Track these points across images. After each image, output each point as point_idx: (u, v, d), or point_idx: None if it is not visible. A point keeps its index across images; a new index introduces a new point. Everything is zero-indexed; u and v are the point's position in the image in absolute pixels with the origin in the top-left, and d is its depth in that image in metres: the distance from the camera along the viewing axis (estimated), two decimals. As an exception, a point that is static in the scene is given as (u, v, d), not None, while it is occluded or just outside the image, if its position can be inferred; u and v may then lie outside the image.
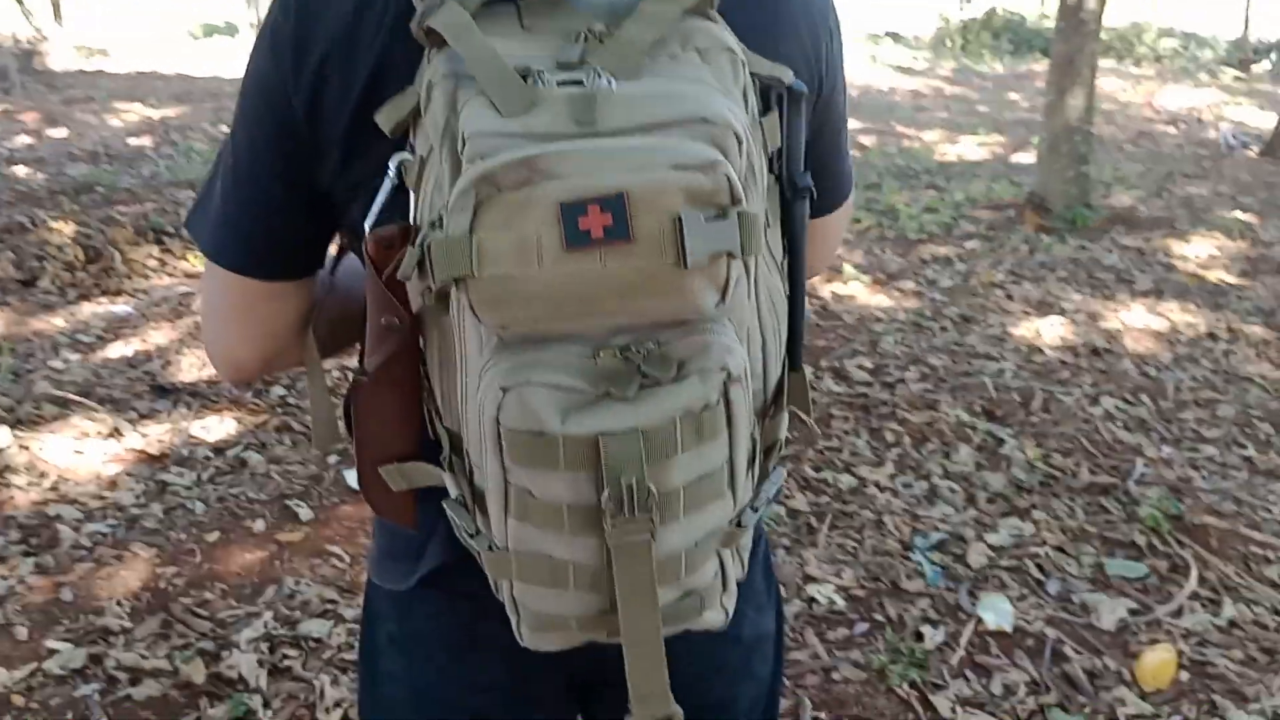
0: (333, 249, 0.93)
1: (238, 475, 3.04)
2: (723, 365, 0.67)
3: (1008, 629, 2.41)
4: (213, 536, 2.71)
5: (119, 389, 3.55)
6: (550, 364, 0.66)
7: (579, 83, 0.65)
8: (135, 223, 5.19)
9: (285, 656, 2.27)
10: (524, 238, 0.62)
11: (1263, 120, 10.27)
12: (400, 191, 0.74)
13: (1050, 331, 4.32)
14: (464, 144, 0.64)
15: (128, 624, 2.35)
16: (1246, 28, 14.84)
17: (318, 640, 2.33)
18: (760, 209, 0.74)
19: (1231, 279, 5.24)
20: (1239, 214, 6.54)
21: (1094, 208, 6.27)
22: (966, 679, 2.26)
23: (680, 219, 0.62)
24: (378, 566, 0.99)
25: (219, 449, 3.19)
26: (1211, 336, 4.43)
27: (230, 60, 12.75)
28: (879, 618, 2.45)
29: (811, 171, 0.86)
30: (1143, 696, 2.21)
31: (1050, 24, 16.44)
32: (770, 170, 0.77)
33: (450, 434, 0.78)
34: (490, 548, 0.74)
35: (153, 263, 4.91)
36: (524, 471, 0.67)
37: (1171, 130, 10.03)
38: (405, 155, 0.73)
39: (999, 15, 17.16)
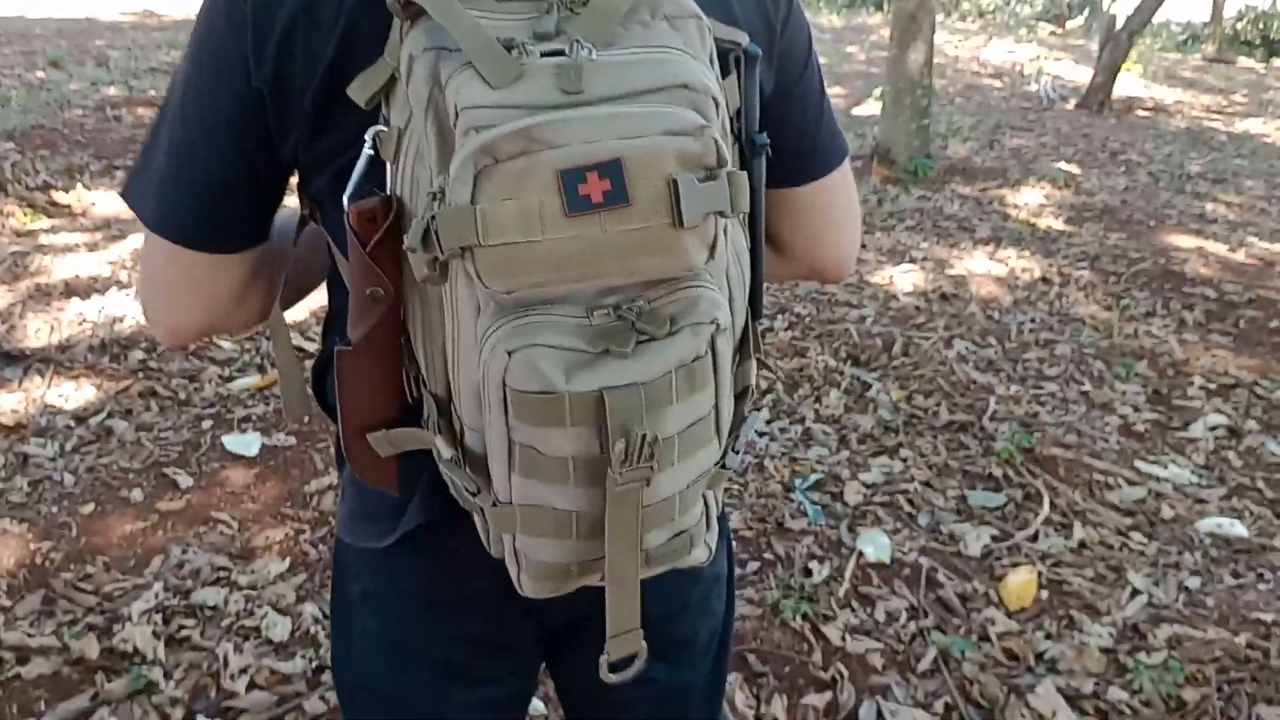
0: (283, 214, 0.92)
1: (105, 444, 2.91)
2: (713, 318, 0.71)
3: (886, 560, 2.58)
4: (87, 509, 2.60)
5: (-41, 357, 3.32)
6: (550, 326, 0.68)
7: (561, 52, 0.67)
8: (-47, 177, 4.82)
9: (182, 627, 2.21)
10: (526, 206, 0.64)
11: (1078, 74, 10.93)
12: (373, 163, 0.74)
13: (903, 279, 4.55)
14: (456, 116, 0.65)
15: (6, 602, 2.24)
16: (1061, -15, 15.68)
17: (214, 608, 2.29)
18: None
19: (1060, 226, 5.62)
20: (1063, 164, 6.99)
21: (933, 159, 6.58)
22: (853, 609, 2.41)
23: (675, 182, 0.65)
24: (349, 527, 1.00)
25: (80, 417, 3.04)
26: (1045, 281, 4.75)
27: (37, -2, 11.82)
28: (768, 556, 2.58)
29: (793, 138, 0.90)
30: (1009, 615, 2.41)
31: (882, -22, 16.98)
32: (730, 130, 0.81)
33: (435, 398, 0.80)
34: (494, 504, 0.77)
35: (-22, 220, 4.58)
36: (530, 429, 0.70)
37: (997, 84, 10.56)
38: (380, 127, 0.74)
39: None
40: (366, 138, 0.74)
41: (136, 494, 2.68)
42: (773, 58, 0.90)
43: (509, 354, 0.68)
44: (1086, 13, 15.96)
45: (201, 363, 3.42)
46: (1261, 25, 15.35)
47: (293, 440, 3.00)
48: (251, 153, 0.82)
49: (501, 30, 0.68)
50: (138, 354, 3.43)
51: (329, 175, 0.81)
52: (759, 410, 0.89)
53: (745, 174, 0.69)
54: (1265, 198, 6.68)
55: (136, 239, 4.47)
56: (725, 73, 0.78)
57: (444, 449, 0.79)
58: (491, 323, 0.69)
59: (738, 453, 0.83)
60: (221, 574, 2.41)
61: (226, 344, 3.55)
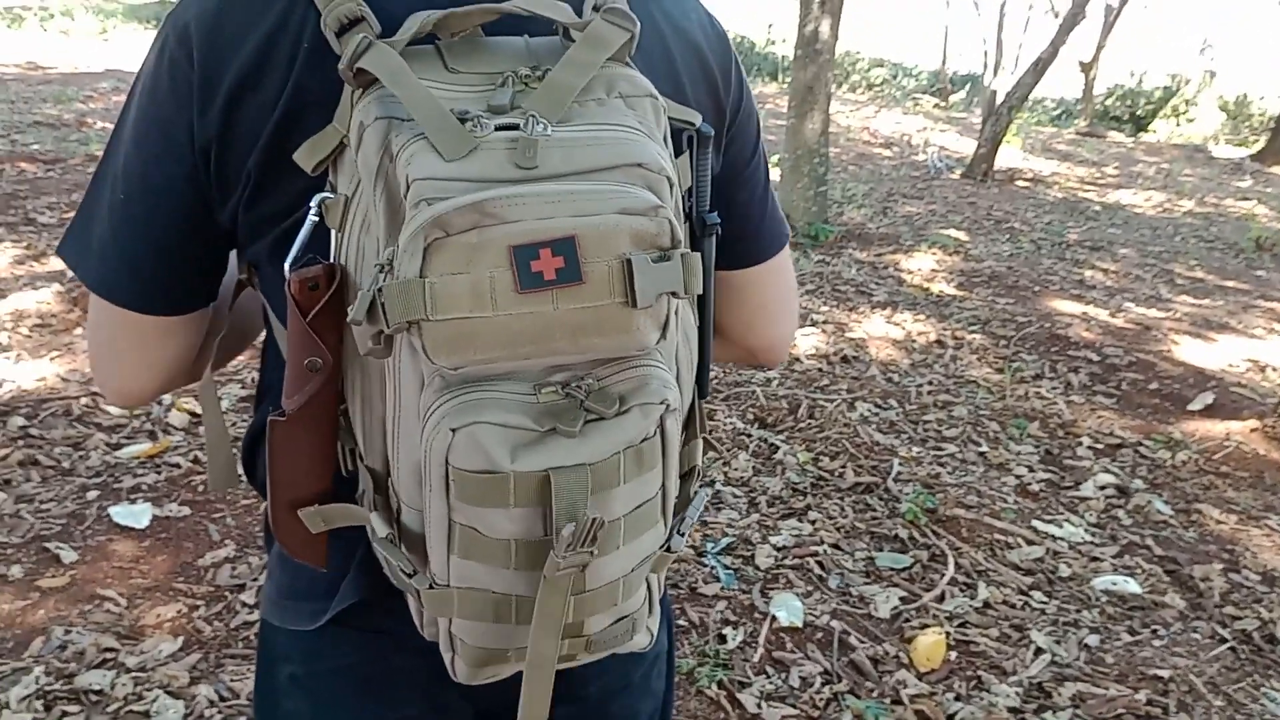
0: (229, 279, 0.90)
1: (-20, 517, 2.75)
2: (663, 399, 0.70)
3: (799, 624, 2.58)
4: (-40, 587, 2.44)
5: None
6: (496, 403, 0.67)
7: (515, 126, 0.66)
8: None
9: (65, 713, 2.07)
10: (477, 281, 0.63)
11: (962, 145, 11.41)
12: (316, 230, 0.73)
13: (806, 342, 4.63)
14: (407, 188, 0.64)
15: None
16: (944, 61, 16.43)
17: (99, 693, 2.15)
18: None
19: (952, 291, 5.81)
20: (952, 231, 7.26)
21: (830, 225, 6.76)
22: (767, 675, 2.40)
23: (629, 261, 0.65)
24: (277, 608, 0.96)
25: (-47, 488, 2.87)
26: (940, 344, 4.89)
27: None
28: (682, 623, 2.55)
29: (738, 222, 0.91)
30: (919, 677, 2.43)
31: (776, 49, 17.53)
32: (681, 209, 0.82)
33: (372, 473, 0.77)
34: (430, 586, 0.74)
35: None
36: (471, 510, 0.68)
37: (887, 153, 10.95)
38: (326, 194, 0.72)
39: (731, 39, 18.07)
40: (312, 204, 0.72)
41: (15, 570, 2.52)
42: (722, 141, 0.90)
43: (453, 431, 0.66)
44: (968, 88, 16.77)
45: (87, 429, 3.26)
46: (1129, 102, 16.34)
47: (186, 511, 2.87)
48: (195, 215, 0.80)
49: (455, 102, 0.67)
50: (18, 420, 3.25)
51: (269, 240, 0.79)
52: (709, 487, 0.88)
53: (699, 255, 0.69)
54: (1139, 265, 7.04)
55: (17, 299, 4.27)
56: (678, 152, 0.79)
57: (379, 526, 0.76)
58: (435, 398, 0.67)
59: (683, 535, 0.82)
60: (108, 655, 2.27)
61: (114, 409, 3.39)
